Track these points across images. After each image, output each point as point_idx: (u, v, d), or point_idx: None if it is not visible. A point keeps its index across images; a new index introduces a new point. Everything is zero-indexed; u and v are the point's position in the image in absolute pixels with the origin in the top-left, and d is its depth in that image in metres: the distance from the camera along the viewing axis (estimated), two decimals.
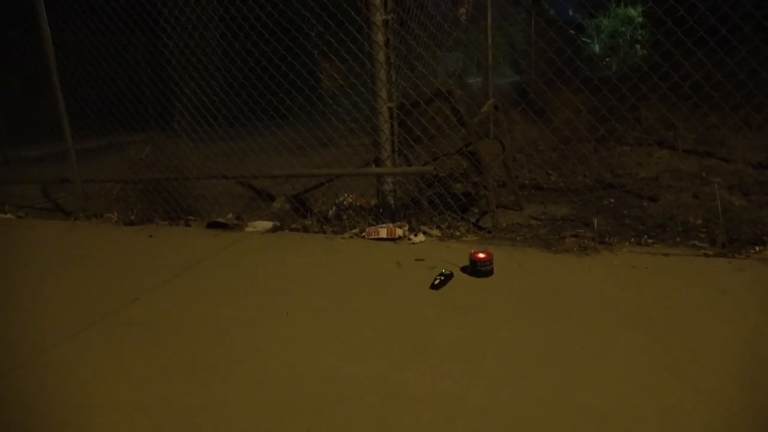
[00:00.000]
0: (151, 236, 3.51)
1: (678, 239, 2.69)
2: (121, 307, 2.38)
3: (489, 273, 2.40)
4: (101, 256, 3.20)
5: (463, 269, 2.49)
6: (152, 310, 2.34)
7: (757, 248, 2.47)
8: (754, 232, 2.67)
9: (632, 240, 2.71)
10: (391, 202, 3.22)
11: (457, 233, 3.02)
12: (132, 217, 3.82)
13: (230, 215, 3.66)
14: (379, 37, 2.96)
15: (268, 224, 3.41)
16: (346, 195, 3.54)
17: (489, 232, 3.01)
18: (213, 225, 3.53)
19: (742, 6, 2.63)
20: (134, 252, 3.22)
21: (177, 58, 3.84)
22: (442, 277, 2.36)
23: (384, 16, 2.95)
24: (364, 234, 3.09)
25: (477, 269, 2.40)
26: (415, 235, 2.97)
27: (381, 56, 3.00)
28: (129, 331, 2.15)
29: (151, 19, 3.80)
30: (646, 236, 2.75)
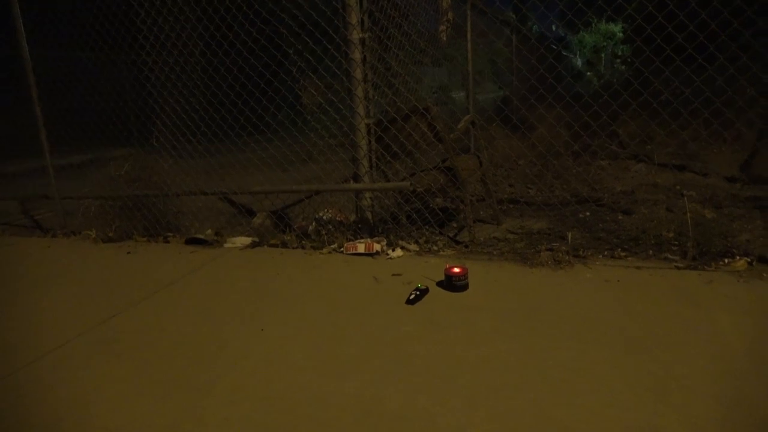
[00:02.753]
0: (129, 253, 3.49)
1: (650, 252, 2.74)
2: (97, 326, 2.36)
3: (464, 287, 2.42)
4: (78, 273, 3.18)
5: (440, 284, 2.51)
6: (129, 328, 2.32)
7: (726, 260, 2.53)
8: (724, 244, 2.73)
9: (606, 253, 2.76)
10: (370, 217, 3.23)
11: (435, 248, 3.05)
12: (110, 234, 3.80)
13: (209, 231, 3.65)
14: (356, 55, 3.00)
15: (247, 240, 3.41)
16: (326, 210, 3.55)
17: (466, 246, 3.04)
18: (192, 241, 3.52)
19: (707, 25, 2.71)
20: (112, 269, 3.19)
21: (156, 75, 3.85)
22: (418, 292, 2.38)
23: (361, 35, 2.99)
24: (342, 249, 3.11)
25: (452, 284, 2.42)
26: (393, 250, 2.99)
27: (358, 73, 3.04)
28: (104, 350, 2.14)
29: (130, 36, 3.82)
30: (619, 249, 2.80)
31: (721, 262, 2.52)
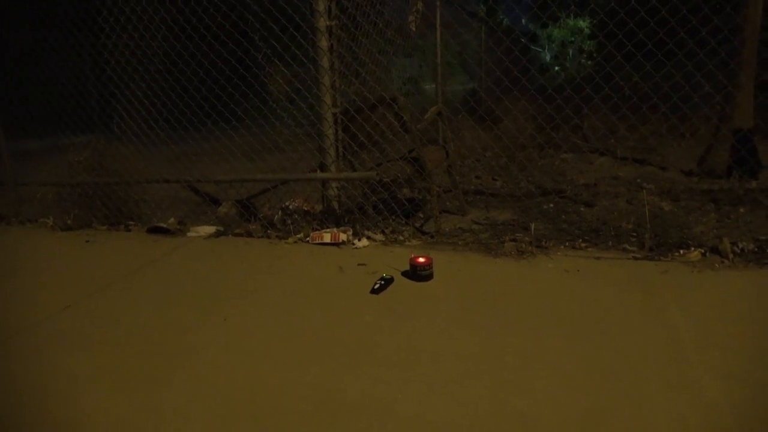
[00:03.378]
0: (88, 241, 3.39)
1: (610, 243, 2.81)
2: (51, 316, 2.29)
3: (429, 277, 2.44)
4: (33, 261, 3.08)
5: (404, 274, 2.52)
6: (85, 319, 2.27)
7: (681, 251, 2.61)
8: (680, 236, 2.81)
9: (567, 244, 2.82)
10: (336, 207, 3.23)
11: (401, 238, 3.06)
12: (69, 222, 3.69)
13: (172, 220, 3.58)
14: (323, 43, 2.98)
15: (211, 229, 3.36)
16: (292, 200, 3.52)
17: (432, 236, 3.06)
18: (154, 230, 3.45)
19: (666, 22, 2.78)
20: (69, 258, 3.11)
21: (116, 59, 3.73)
22: (383, 282, 2.39)
23: (328, 22, 2.96)
24: (308, 239, 3.09)
25: (417, 274, 2.43)
26: (359, 240, 2.99)
27: (325, 62, 3.01)
28: (59, 341, 2.08)
29: (90, 17, 3.69)
30: (580, 240, 2.85)
31: (676, 253, 2.60)
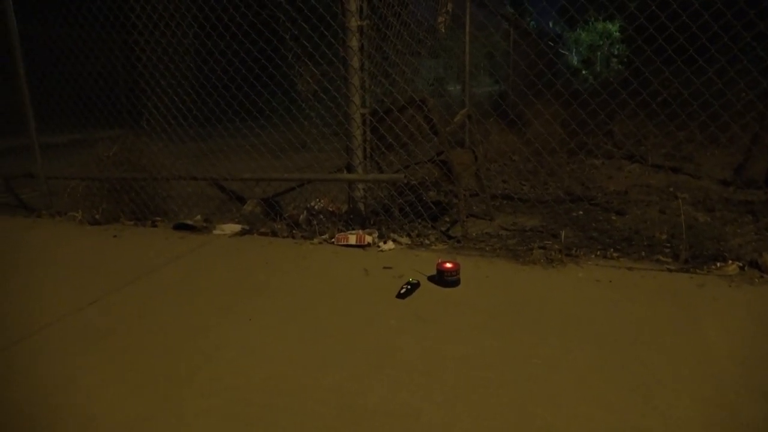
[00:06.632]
0: (115, 236, 3.42)
1: (643, 253, 2.73)
2: (76, 311, 2.31)
3: (455, 283, 2.39)
4: (61, 255, 3.11)
5: (431, 278, 2.47)
6: (109, 314, 2.27)
7: (718, 264, 2.51)
8: (716, 248, 2.72)
9: (598, 253, 2.74)
10: (362, 208, 3.19)
11: (427, 242, 3.01)
12: (97, 216, 3.73)
13: (198, 217, 3.59)
14: (354, 43, 2.95)
15: (237, 227, 3.36)
16: (317, 200, 3.50)
17: (458, 241, 3.01)
18: (180, 227, 3.46)
19: (710, 27, 2.68)
20: (96, 252, 3.13)
21: (148, 56, 3.77)
22: (409, 286, 2.35)
23: (359, 22, 2.93)
24: (333, 240, 3.07)
25: (444, 279, 2.39)
26: (385, 243, 2.95)
27: (355, 62, 2.98)
28: (82, 336, 2.09)
29: (123, 15, 3.73)
30: (611, 249, 2.77)
31: (712, 266, 2.50)
